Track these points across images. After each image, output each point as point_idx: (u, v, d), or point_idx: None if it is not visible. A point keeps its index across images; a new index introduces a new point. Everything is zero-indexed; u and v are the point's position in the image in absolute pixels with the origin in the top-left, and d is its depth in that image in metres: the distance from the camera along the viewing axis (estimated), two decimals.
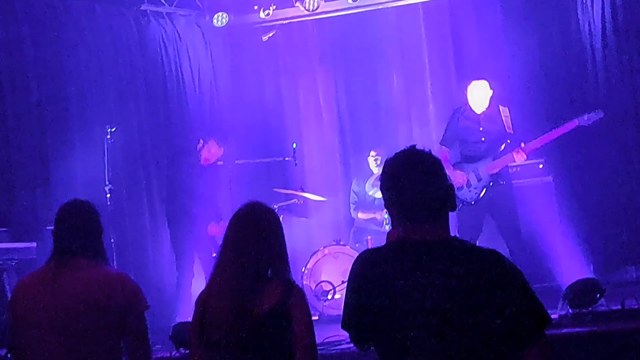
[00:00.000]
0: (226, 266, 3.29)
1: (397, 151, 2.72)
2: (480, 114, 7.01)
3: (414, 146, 2.72)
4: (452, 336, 2.46)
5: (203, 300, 3.32)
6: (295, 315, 3.18)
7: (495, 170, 6.88)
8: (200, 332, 3.26)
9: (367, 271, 2.65)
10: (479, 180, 6.90)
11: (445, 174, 2.71)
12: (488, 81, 7.06)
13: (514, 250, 6.68)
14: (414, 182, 2.63)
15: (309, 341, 3.22)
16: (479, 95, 7.00)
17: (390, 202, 2.70)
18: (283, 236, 3.38)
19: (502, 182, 6.87)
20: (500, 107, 6.97)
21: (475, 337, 2.47)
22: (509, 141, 6.88)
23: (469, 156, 7.05)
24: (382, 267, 2.61)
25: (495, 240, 6.99)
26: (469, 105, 7.05)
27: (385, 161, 2.74)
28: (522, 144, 6.81)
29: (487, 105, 6.99)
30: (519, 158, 6.81)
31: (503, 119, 6.91)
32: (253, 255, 3.24)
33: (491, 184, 6.87)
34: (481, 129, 6.99)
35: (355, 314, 2.66)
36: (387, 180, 2.70)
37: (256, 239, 3.27)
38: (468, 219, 6.84)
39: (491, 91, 7.00)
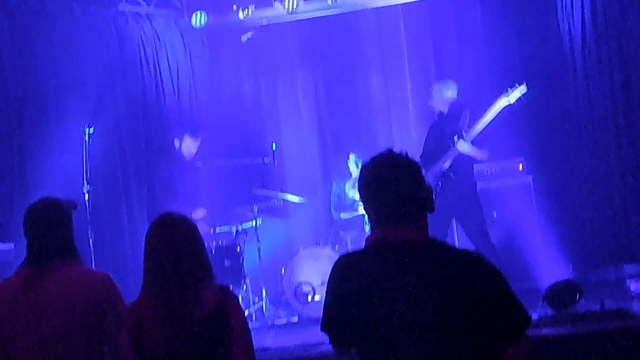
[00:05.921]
0: (154, 277, 3.24)
1: (375, 154, 2.72)
2: (445, 118, 7.20)
3: (390, 149, 2.72)
4: (432, 338, 2.46)
5: (137, 313, 3.26)
6: (232, 321, 3.19)
7: (447, 165, 6.99)
8: (135, 345, 3.20)
9: (346, 273, 2.65)
10: (434, 177, 6.99)
11: (422, 176, 2.71)
12: (466, 82, 7.24)
13: (485, 254, 6.69)
14: (390, 184, 2.63)
15: (247, 347, 3.22)
16: (439, 95, 7.24)
17: (368, 204, 2.71)
18: (202, 242, 3.35)
19: (451, 175, 6.96)
20: (464, 110, 7.12)
21: (455, 338, 2.47)
22: (456, 137, 6.94)
23: (438, 158, 7.13)
24: (361, 269, 2.61)
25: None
26: (435, 110, 7.30)
27: (362, 164, 2.75)
28: (464, 133, 6.92)
29: (448, 104, 7.19)
30: (461, 146, 6.91)
31: (462, 119, 7.05)
32: (177, 264, 3.21)
33: (441, 180, 6.98)
34: (445, 131, 7.15)
35: (335, 316, 2.66)
36: (364, 184, 2.71)
37: (176, 248, 3.24)
38: (432, 224, 6.88)
39: (453, 92, 7.20)
